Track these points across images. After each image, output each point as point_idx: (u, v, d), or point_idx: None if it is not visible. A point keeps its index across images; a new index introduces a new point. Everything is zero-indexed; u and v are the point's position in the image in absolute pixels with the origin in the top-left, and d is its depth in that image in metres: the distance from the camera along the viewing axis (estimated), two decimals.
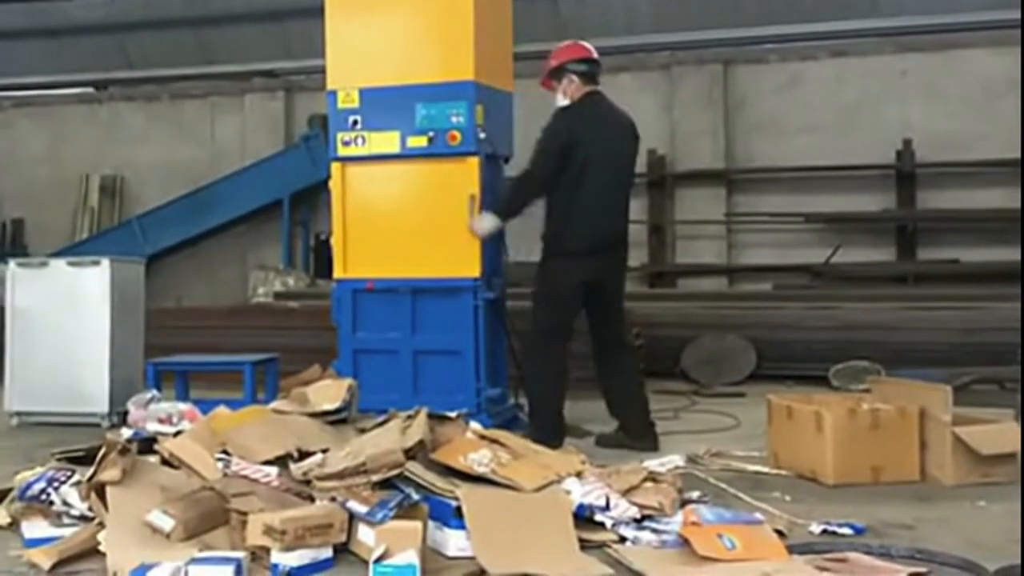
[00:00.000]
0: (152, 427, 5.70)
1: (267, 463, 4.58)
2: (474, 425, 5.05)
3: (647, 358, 9.95)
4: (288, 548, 3.90)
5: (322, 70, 7.44)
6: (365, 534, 4.05)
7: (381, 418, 5.05)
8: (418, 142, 7.09)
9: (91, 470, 4.40)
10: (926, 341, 9.60)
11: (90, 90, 16.39)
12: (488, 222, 6.87)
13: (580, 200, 6.57)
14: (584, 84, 6.78)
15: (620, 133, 6.89)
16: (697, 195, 13.37)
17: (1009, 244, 11.74)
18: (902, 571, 3.87)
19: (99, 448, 4.52)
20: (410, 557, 3.76)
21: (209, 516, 4.24)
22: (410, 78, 7.10)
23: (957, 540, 4.37)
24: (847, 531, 4.47)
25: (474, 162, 7.02)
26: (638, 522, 4.35)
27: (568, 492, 4.40)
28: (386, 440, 4.55)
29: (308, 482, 4.42)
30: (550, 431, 6.40)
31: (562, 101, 6.78)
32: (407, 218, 7.20)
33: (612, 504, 4.37)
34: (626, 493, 4.52)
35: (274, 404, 5.44)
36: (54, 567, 4.07)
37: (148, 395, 6.80)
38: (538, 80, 7.02)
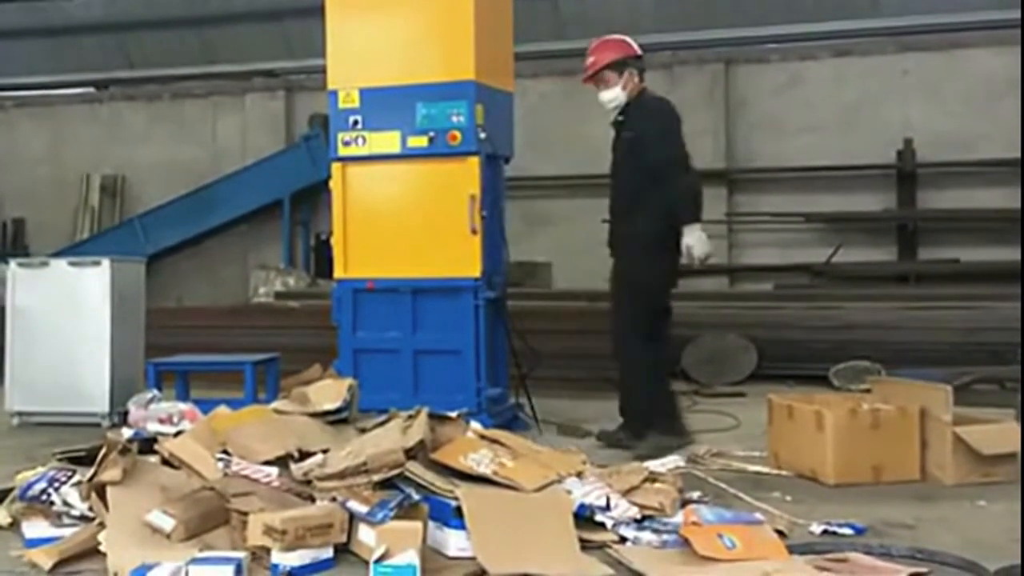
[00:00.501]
0: (152, 427, 5.71)
1: (268, 463, 4.58)
2: (474, 425, 5.06)
3: None
4: (288, 548, 3.90)
5: (323, 70, 7.44)
6: (365, 534, 4.05)
7: (382, 418, 5.05)
8: (418, 142, 7.09)
9: (92, 470, 4.40)
10: (927, 341, 9.60)
11: (91, 90, 16.39)
12: (697, 236, 6.45)
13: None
14: (640, 80, 6.82)
15: None
16: None
17: (1009, 244, 11.73)
18: (903, 571, 3.87)
19: (100, 448, 4.52)
20: (410, 557, 3.76)
21: (209, 516, 4.24)
22: (410, 78, 7.10)
23: (957, 540, 4.37)
24: (847, 531, 4.47)
25: (474, 162, 7.02)
26: (638, 522, 4.35)
27: (569, 492, 4.41)
28: (387, 440, 4.55)
29: (309, 482, 4.42)
30: (676, 430, 6.57)
31: (618, 95, 6.75)
32: (408, 218, 7.20)
33: (612, 504, 4.37)
34: (626, 493, 4.52)
35: (275, 404, 5.44)
36: (54, 567, 4.07)
37: (149, 395, 6.81)
38: (581, 77, 6.95)
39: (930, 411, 5.55)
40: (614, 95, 6.75)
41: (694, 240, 6.40)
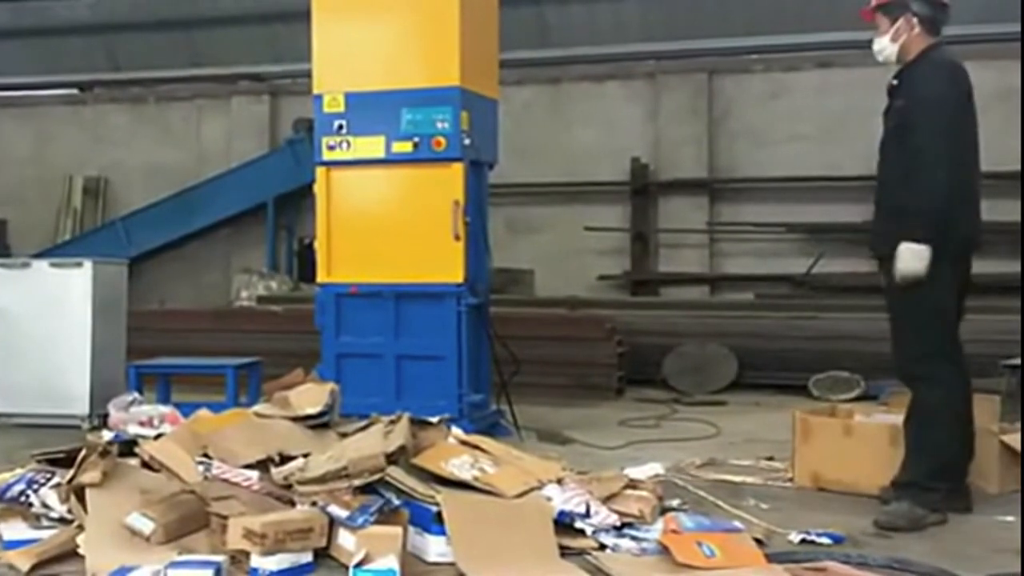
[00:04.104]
0: (133, 430, 5.70)
1: (248, 467, 4.56)
2: (456, 431, 5.06)
3: (629, 366, 10.00)
4: (268, 552, 3.89)
5: (308, 74, 7.45)
6: (345, 539, 4.05)
7: (363, 423, 5.06)
8: (403, 147, 7.10)
9: (71, 472, 4.39)
10: None
11: (75, 91, 16.34)
12: (912, 251, 5.00)
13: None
14: (929, 32, 5.24)
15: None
16: (680, 204, 13.41)
17: (992, 256, 11.76)
18: None
19: (79, 450, 4.51)
20: (390, 562, 3.77)
21: (189, 519, 4.23)
22: (396, 83, 7.12)
23: (935, 550, 4.40)
24: (826, 540, 4.49)
25: (459, 168, 7.03)
26: (618, 529, 4.36)
27: (549, 499, 4.41)
28: (368, 445, 4.55)
29: (289, 486, 4.41)
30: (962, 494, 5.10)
31: (885, 48, 5.31)
32: (392, 223, 7.21)
33: (592, 511, 4.38)
34: (606, 500, 4.53)
35: (256, 408, 5.42)
36: (32, 569, 4.05)
37: (129, 397, 6.80)
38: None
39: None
40: (880, 46, 5.31)
41: (903, 252, 4.99)
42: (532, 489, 4.47)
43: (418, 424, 4.84)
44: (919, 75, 5.20)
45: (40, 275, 8.16)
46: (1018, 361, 7.18)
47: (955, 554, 4.32)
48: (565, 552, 4.16)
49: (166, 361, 8.36)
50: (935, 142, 5.11)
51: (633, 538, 4.31)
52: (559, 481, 4.62)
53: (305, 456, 4.60)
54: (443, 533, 4.06)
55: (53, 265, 8.27)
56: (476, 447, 4.80)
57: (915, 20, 5.19)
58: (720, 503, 5.19)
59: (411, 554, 4.08)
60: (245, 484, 4.45)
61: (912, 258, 4.97)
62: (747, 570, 3.95)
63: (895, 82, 5.34)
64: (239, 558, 3.96)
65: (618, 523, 4.39)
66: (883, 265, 5.39)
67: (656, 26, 13.64)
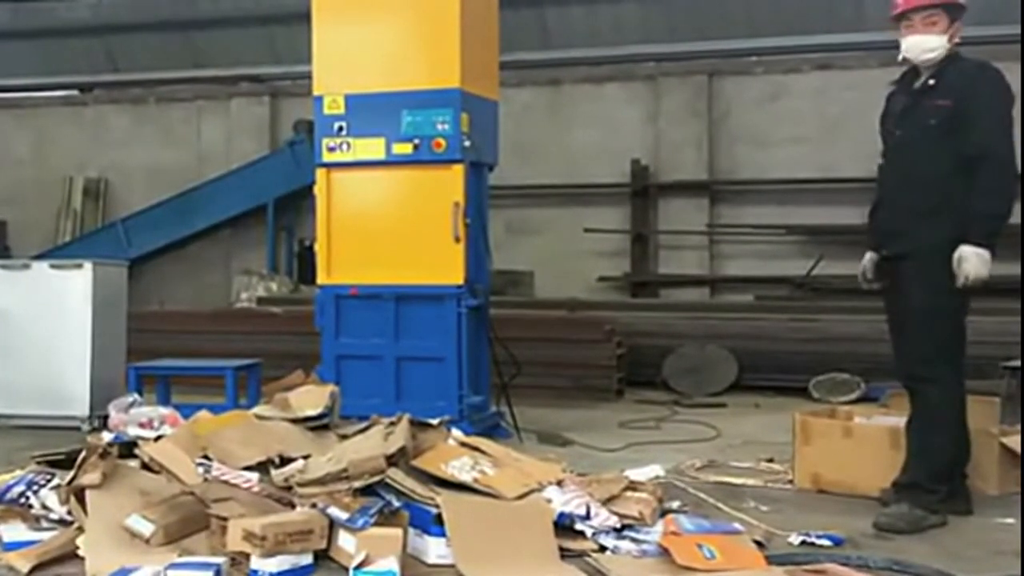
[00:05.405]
0: (133, 431, 5.68)
1: (248, 468, 4.57)
2: (456, 432, 5.07)
3: (628, 367, 10.00)
4: (268, 554, 3.90)
5: (308, 76, 7.45)
6: (346, 540, 4.05)
7: (363, 424, 5.06)
8: (403, 149, 7.10)
9: (71, 474, 4.39)
10: None
11: (75, 92, 16.34)
12: (977, 253, 4.91)
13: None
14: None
15: None
16: (680, 205, 13.41)
17: (992, 257, 11.77)
18: None
19: (79, 451, 4.51)
20: (390, 564, 3.78)
21: (189, 521, 4.23)
22: (396, 85, 7.12)
23: (935, 551, 4.40)
24: (826, 542, 4.49)
25: (459, 170, 7.03)
26: (618, 531, 4.36)
27: (549, 500, 4.41)
28: (368, 447, 4.56)
29: (289, 488, 4.41)
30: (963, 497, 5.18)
31: (940, 47, 5.06)
32: (392, 224, 7.21)
33: (592, 513, 4.38)
34: (607, 502, 4.53)
35: (256, 409, 5.42)
36: (32, 571, 4.06)
37: (129, 399, 6.79)
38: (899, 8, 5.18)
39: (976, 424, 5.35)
40: (938, 44, 5.06)
41: (972, 256, 4.88)
42: (532, 491, 4.48)
43: (418, 426, 4.84)
44: (972, 74, 5.07)
45: (40, 276, 8.16)
46: (1018, 363, 7.16)
47: (955, 556, 4.32)
48: (565, 554, 4.16)
49: (166, 362, 8.36)
50: (1007, 146, 4.98)
51: (633, 540, 4.32)
52: (559, 483, 4.62)
53: (305, 458, 4.61)
54: (443, 535, 4.07)
55: (53, 266, 8.27)
56: (476, 449, 4.80)
57: (960, 27, 5.13)
58: (720, 505, 5.19)
59: (411, 556, 4.09)
60: (245, 486, 4.45)
61: (981, 264, 4.88)
62: (747, 572, 3.96)
63: (932, 81, 5.14)
64: (239, 560, 3.97)
65: (618, 525, 4.39)
66: (890, 265, 5.38)
67: (656, 28, 13.64)
